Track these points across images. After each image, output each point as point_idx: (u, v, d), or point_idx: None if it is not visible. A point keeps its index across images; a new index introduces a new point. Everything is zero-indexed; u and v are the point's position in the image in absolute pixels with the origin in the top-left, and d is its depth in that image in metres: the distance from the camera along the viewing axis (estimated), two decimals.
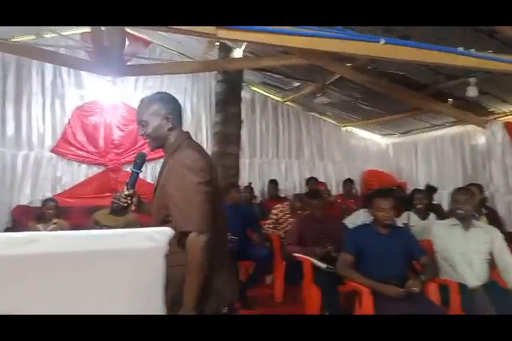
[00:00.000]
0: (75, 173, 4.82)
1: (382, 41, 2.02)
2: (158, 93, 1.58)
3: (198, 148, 1.50)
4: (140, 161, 1.57)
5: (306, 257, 2.87)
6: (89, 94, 4.91)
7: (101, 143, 4.90)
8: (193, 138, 5.27)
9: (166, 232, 0.75)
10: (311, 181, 5.51)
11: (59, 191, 4.72)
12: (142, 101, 1.53)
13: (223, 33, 1.76)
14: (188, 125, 5.40)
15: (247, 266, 3.69)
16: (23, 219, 4.29)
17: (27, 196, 4.61)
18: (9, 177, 4.56)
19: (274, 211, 4.05)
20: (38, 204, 4.50)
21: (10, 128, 4.62)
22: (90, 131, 4.86)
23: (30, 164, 4.64)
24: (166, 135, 1.49)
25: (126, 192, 1.52)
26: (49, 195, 4.63)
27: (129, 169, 1.59)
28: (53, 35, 4.63)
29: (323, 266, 2.76)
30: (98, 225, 4.08)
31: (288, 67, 4.21)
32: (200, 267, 1.29)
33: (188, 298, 1.28)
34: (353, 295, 2.41)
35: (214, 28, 1.74)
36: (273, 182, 5.62)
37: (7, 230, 4.33)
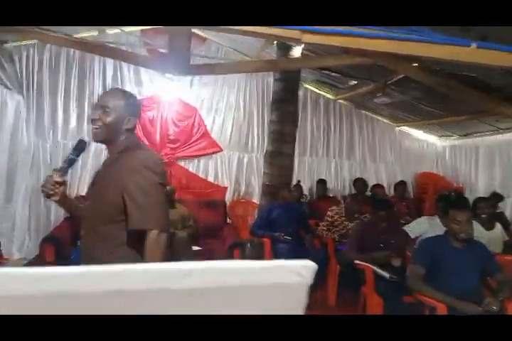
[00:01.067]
0: None
1: (474, 45, 1.90)
2: (132, 94, 1.53)
3: (153, 151, 1.52)
4: (80, 147, 1.47)
5: (368, 265, 2.80)
6: (146, 90, 5.02)
7: (157, 137, 5.00)
8: (245, 136, 5.27)
9: (311, 267, 0.72)
10: (359, 183, 5.38)
11: None
12: (115, 90, 1.52)
13: (308, 37, 1.71)
14: (240, 123, 5.43)
15: None
16: None
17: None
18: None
19: (329, 213, 3.99)
20: None
21: (73, 122, 4.81)
22: (147, 126, 4.97)
23: (91, 156, 4.81)
24: (120, 132, 1.43)
25: (58, 179, 1.41)
26: None
27: (70, 156, 1.44)
28: (116, 31, 4.73)
29: (386, 275, 2.69)
30: None
31: (347, 66, 4.10)
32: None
33: None
34: (420, 308, 2.33)
35: (299, 32, 1.70)
36: (322, 182, 5.55)
37: (64, 220, 4.51)
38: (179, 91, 5.05)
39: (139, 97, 4.85)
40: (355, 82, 4.91)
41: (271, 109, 4.35)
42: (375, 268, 2.77)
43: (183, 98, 5.09)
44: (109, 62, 4.90)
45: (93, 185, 1.51)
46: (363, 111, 6.01)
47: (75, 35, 4.57)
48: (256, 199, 5.27)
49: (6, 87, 4.49)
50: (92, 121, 1.42)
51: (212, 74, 4.41)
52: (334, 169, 5.88)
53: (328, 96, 5.86)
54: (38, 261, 3.99)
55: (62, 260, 3.66)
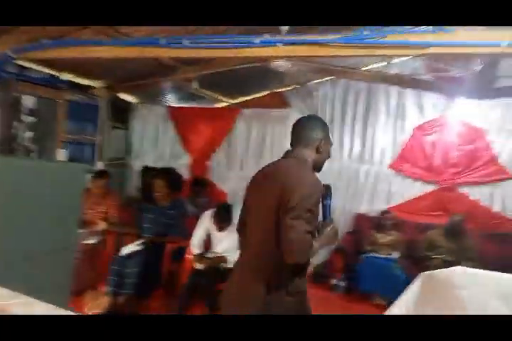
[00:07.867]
0: (408, 189, 5.04)
1: None
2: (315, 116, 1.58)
3: None
4: (330, 192, 1.61)
5: None
6: (428, 114, 5.02)
7: (437, 161, 4.91)
8: None
9: None
10: None
11: (392, 204, 5.05)
12: (311, 121, 1.58)
13: None
14: None
15: None
16: (362, 226, 4.86)
17: (365, 206, 5.18)
18: (352, 187, 5.26)
19: None
20: (374, 214, 4.99)
21: (357, 145, 5.32)
22: (427, 149, 4.96)
23: (370, 178, 5.19)
24: None
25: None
26: (383, 207, 5.03)
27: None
28: (400, 59, 4.94)
29: None
30: (432, 245, 4.13)
31: None
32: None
33: None
34: None
35: None
36: None
37: (348, 234, 5.01)
38: (464, 113, 4.81)
39: (421, 121, 4.96)
40: None
41: None
42: None
43: (468, 120, 4.82)
44: (393, 90, 5.17)
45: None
46: None
47: (363, 68, 5.09)
48: None
49: None
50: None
51: None
52: None
53: None
54: (325, 266, 4.60)
55: (348, 272, 4.13)
